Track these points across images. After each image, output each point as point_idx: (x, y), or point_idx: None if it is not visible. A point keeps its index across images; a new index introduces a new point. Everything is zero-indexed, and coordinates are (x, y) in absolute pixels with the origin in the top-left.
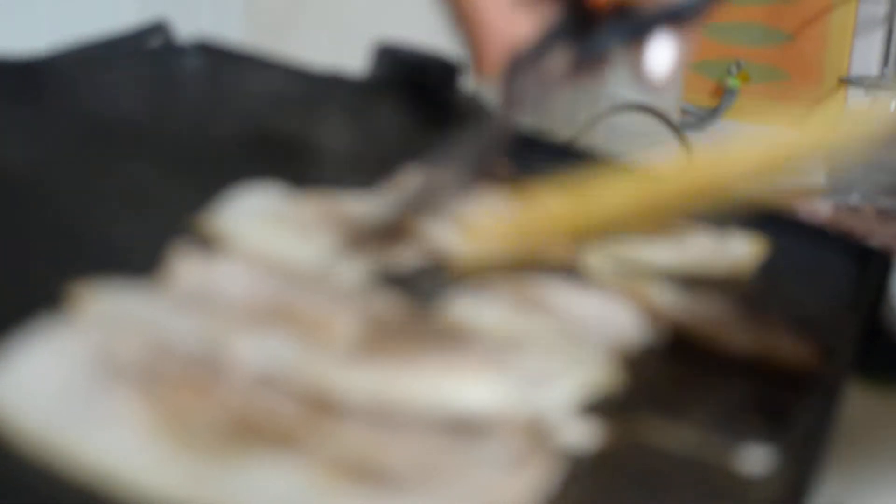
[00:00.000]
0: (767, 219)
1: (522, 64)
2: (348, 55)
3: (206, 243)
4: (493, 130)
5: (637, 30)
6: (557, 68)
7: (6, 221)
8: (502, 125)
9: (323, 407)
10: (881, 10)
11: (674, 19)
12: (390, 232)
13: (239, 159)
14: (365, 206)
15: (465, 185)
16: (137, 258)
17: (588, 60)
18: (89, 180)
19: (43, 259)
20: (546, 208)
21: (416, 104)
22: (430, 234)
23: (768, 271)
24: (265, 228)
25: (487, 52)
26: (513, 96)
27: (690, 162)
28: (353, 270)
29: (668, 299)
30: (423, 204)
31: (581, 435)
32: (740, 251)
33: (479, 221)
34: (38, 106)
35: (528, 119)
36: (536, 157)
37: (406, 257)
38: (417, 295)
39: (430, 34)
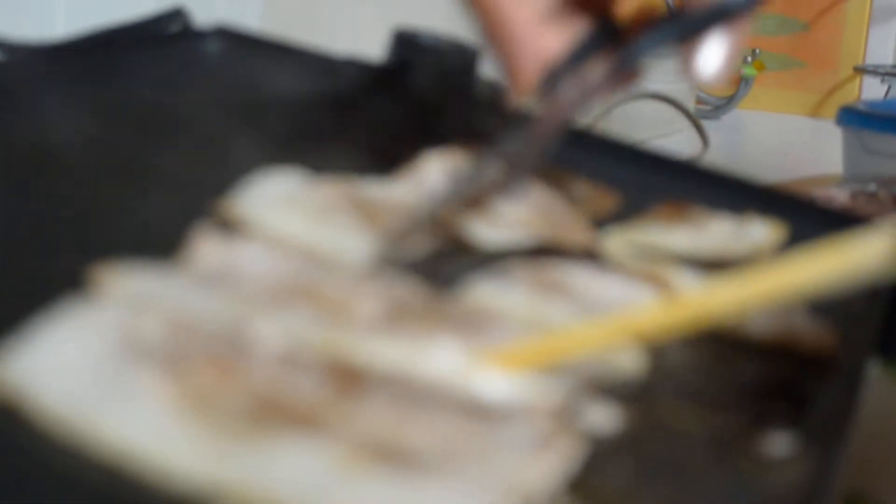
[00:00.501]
0: (786, 204)
1: (558, 77)
2: (366, 41)
3: (228, 227)
4: (534, 136)
5: (687, 30)
6: (595, 78)
7: (31, 203)
8: (543, 136)
9: (346, 387)
10: None
11: (725, 17)
12: (427, 224)
13: (259, 144)
14: (384, 191)
15: (507, 178)
16: (160, 241)
17: (626, 67)
18: (112, 163)
19: (66, 241)
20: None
21: (434, 90)
22: (453, 220)
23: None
24: (285, 213)
25: (522, 69)
26: (552, 110)
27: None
28: (374, 254)
29: (687, 284)
30: (458, 195)
31: (604, 417)
32: (759, 236)
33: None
34: (60, 90)
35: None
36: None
37: (428, 242)
38: (438, 279)
39: (449, 21)
